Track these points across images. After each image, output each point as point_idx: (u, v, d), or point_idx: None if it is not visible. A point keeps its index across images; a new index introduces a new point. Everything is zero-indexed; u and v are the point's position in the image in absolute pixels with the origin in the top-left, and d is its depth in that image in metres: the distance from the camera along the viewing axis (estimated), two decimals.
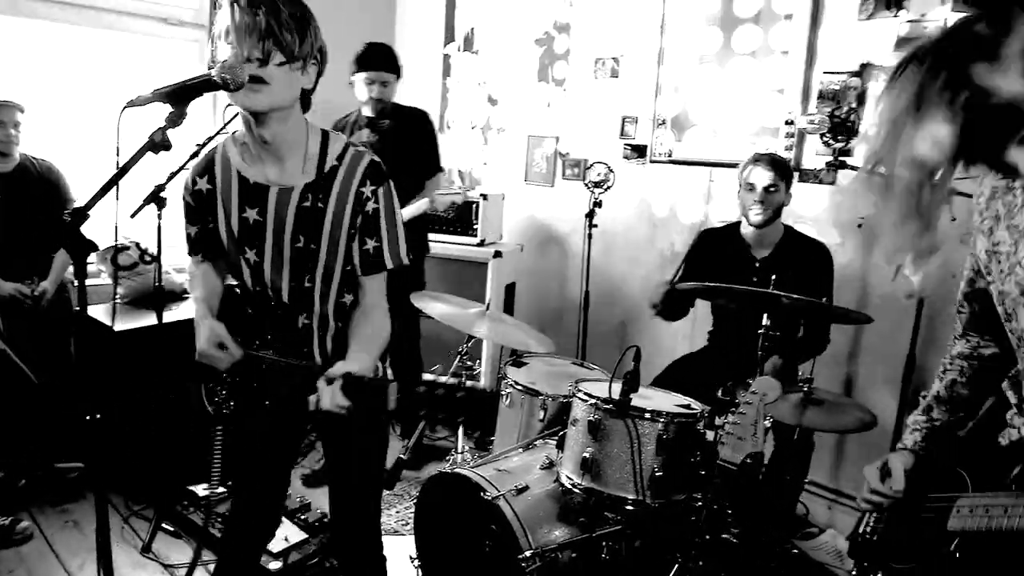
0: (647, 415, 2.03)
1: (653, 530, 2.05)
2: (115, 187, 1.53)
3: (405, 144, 3.28)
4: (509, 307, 4.00)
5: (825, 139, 2.81)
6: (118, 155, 1.60)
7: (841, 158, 2.51)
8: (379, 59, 3.18)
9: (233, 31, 1.43)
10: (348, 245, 1.63)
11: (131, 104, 1.45)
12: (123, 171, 1.50)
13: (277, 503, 1.93)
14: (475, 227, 3.84)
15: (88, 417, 1.61)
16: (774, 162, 2.71)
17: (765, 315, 2.10)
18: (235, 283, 1.77)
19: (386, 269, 1.66)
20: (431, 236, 3.69)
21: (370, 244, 1.62)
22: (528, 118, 4.22)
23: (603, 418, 2.04)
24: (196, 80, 1.41)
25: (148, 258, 3.37)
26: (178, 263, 3.58)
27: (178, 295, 3.45)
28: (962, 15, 0.93)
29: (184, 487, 2.93)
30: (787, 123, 3.19)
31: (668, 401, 2.22)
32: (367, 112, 3.31)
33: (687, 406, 2.17)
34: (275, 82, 1.45)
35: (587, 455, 2.04)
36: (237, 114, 1.74)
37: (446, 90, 4.61)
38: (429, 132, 3.42)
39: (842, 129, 2.40)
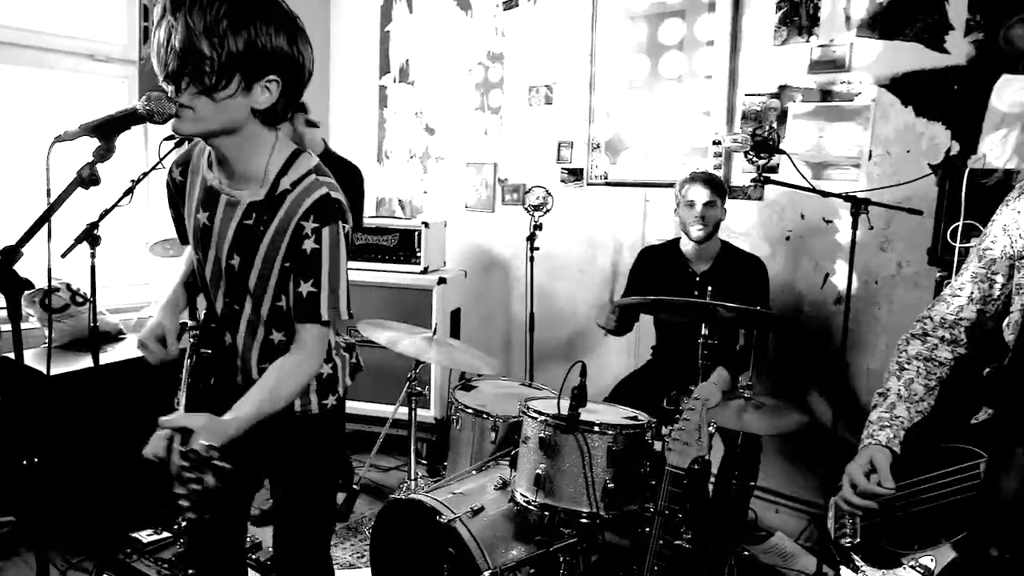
0: (596, 428, 2.08)
1: (608, 542, 2.09)
2: (46, 224, 1.50)
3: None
4: (455, 332, 4.01)
5: (749, 157, 2.98)
6: (48, 193, 1.57)
7: (765, 174, 2.66)
8: None
9: (152, 53, 1.34)
10: (281, 280, 1.51)
11: (59, 139, 1.40)
12: (53, 208, 1.45)
13: (238, 549, 1.88)
14: (418, 255, 3.86)
15: (24, 463, 1.55)
16: (710, 180, 2.85)
17: (704, 326, 2.18)
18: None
19: (320, 321, 1.49)
20: (375, 266, 3.68)
21: (304, 288, 1.47)
22: (466, 146, 4.29)
23: (553, 434, 2.07)
24: (121, 113, 1.34)
25: (80, 299, 3.27)
26: (112, 303, 3.49)
27: (113, 336, 3.35)
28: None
29: (126, 534, 2.83)
30: (714, 143, 3.34)
31: (615, 414, 2.27)
32: None
33: (634, 418, 2.23)
34: (199, 109, 1.35)
35: (540, 471, 2.07)
36: (173, 148, 1.73)
37: (383, 120, 4.64)
38: (357, 188, 3.32)
39: (764, 147, 2.55)
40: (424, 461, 3.90)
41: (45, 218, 1.52)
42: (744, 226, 3.32)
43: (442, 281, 3.81)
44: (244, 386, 1.50)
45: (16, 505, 2.94)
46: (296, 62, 1.42)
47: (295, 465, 1.72)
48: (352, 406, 3.57)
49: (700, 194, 2.81)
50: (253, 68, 1.36)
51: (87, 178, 1.50)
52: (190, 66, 1.31)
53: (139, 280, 3.83)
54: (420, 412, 3.79)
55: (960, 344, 1.58)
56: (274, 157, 1.49)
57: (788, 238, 3.24)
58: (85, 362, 2.83)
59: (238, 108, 1.39)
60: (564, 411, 2.03)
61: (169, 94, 1.34)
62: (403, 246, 3.87)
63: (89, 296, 2.72)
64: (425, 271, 3.88)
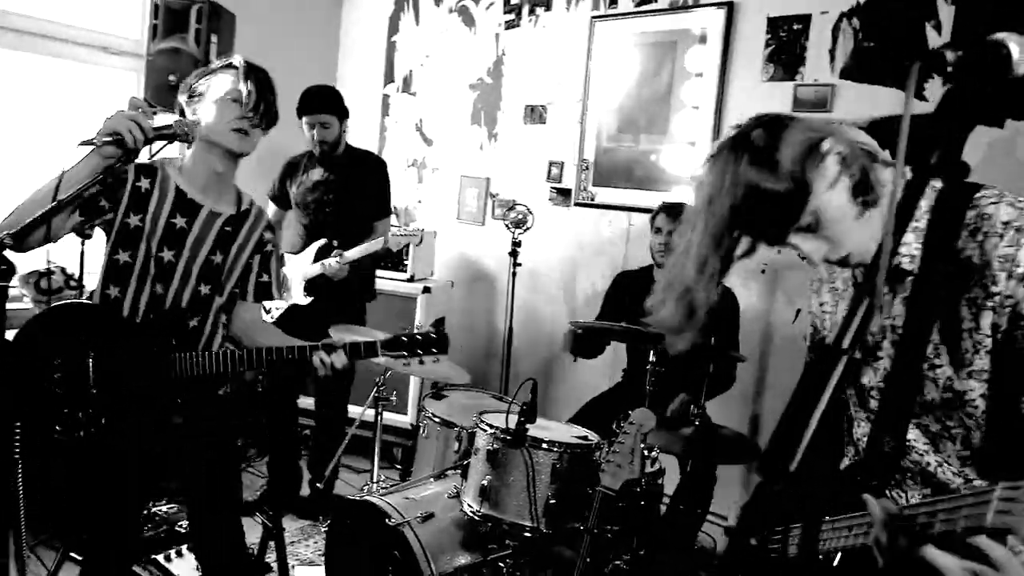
0: (543, 445, 2.15)
1: (563, 556, 2.14)
2: (54, 215, 1.66)
3: (357, 185, 3.36)
4: None
5: None
6: (57, 188, 1.69)
7: None
8: (316, 102, 3.26)
9: (244, 99, 1.88)
10: (243, 271, 2.03)
11: (85, 143, 1.65)
12: (70, 201, 1.62)
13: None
14: (405, 263, 3.94)
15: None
16: (675, 209, 2.92)
17: (652, 352, 2.24)
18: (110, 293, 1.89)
19: (269, 299, 2.10)
20: None
21: (265, 277, 2.07)
22: (461, 159, 4.38)
23: (501, 447, 2.14)
24: (160, 129, 1.74)
25: (73, 283, 3.37)
26: None
27: None
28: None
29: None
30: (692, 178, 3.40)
31: (567, 433, 2.33)
32: (316, 152, 3.35)
33: (584, 438, 2.29)
34: (255, 138, 1.95)
35: (485, 483, 2.14)
36: (164, 146, 1.94)
37: (384, 128, 4.74)
38: (382, 176, 3.48)
39: None
40: (398, 466, 3.98)
41: (55, 211, 1.64)
42: None
43: (427, 290, 3.89)
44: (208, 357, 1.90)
45: None
46: None
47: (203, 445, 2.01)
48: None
49: (665, 223, 2.88)
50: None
51: (111, 178, 1.75)
52: (267, 114, 1.94)
53: None
54: (396, 418, 3.89)
55: None
56: (235, 184, 2.05)
57: (763, 271, 3.30)
58: None
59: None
60: (512, 426, 2.09)
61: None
62: (391, 253, 3.95)
63: (81, 283, 2.82)
64: (411, 279, 3.96)
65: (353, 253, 3.19)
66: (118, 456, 1.85)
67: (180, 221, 1.91)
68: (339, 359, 1.86)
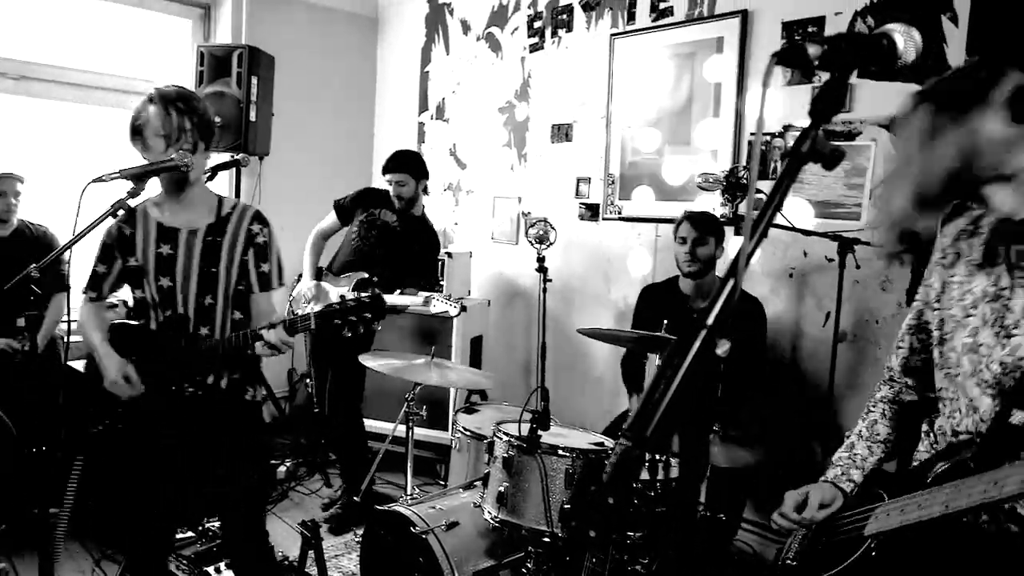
0: (560, 452, 2.20)
1: (564, 562, 2.18)
2: (72, 246, 1.93)
3: (419, 248, 3.64)
4: (476, 358, 4.18)
5: (725, 197, 3.05)
6: (76, 219, 1.97)
7: (741, 213, 2.72)
8: (392, 163, 3.60)
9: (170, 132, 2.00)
10: (241, 269, 2.11)
11: (97, 180, 1.90)
12: (85, 232, 1.91)
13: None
14: (441, 283, 4.06)
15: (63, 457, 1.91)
16: (699, 218, 2.94)
17: (658, 357, 2.27)
18: (131, 321, 2.17)
19: (273, 288, 2.16)
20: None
21: (264, 267, 2.14)
22: (494, 180, 4.50)
23: (516, 454, 2.20)
24: (161, 164, 1.95)
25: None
26: None
27: None
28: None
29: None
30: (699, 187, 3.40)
31: (583, 440, 2.38)
32: (396, 206, 3.64)
33: (600, 444, 2.33)
34: (198, 158, 2.07)
35: (503, 489, 2.20)
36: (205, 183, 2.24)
37: (421, 155, 4.91)
38: (435, 248, 3.76)
39: (737, 187, 2.61)
40: (441, 481, 4.07)
41: (75, 240, 1.93)
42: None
43: (463, 309, 3.99)
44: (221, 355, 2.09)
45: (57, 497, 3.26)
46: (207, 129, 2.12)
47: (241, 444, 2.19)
48: (373, 424, 3.82)
49: (689, 232, 2.90)
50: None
51: (118, 210, 1.97)
52: (199, 136, 2.07)
53: None
54: (439, 434, 3.99)
55: (920, 389, 1.59)
56: (210, 198, 2.16)
57: (791, 275, 3.27)
58: None
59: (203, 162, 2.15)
60: (524, 433, 2.16)
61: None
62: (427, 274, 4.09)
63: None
64: (448, 299, 4.06)
65: (399, 299, 3.39)
66: (154, 447, 2.12)
67: (165, 249, 2.09)
68: (276, 335, 1.95)
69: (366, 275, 3.52)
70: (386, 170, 3.61)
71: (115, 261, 2.13)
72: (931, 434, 1.49)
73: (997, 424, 1.27)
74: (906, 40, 0.83)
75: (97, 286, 2.16)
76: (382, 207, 3.65)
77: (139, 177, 1.98)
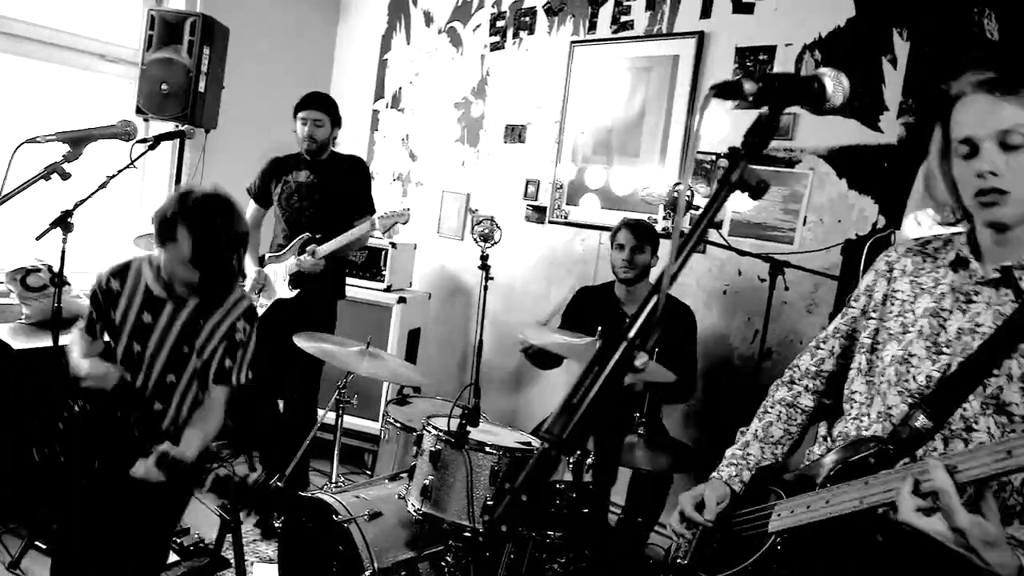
0: (487, 448, 2.22)
1: (483, 557, 2.22)
2: None
3: (340, 186, 3.50)
4: (412, 350, 4.18)
5: (667, 212, 3.14)
6: (3, 180, 1.88)
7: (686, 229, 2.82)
8: (312, 100, 3.45)
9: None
10: (209, 359, 2.11)
11: (32, 141, 1.81)
12: (12, 194, 1.80)
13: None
14: (383, 273, 4.04)
15: None
16: (638, 226, 3.02)
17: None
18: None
19: (229, 384, 2.13)
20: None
21: (228, 363, 2.12)
22: (444, 174, 4.50)
23: (444, 448, 2.22)
24: (100, 130, 1.93)
25: (56, 281, 3.49)
26: (86, 288, 3.70)
27: (75, 320, 3.55)
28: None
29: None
30: (643, 200, 3.50)
31: (511, 438, 2.41)
32: (304, 153, 3.49)
33: (527, 443, 2.37)
34: None
35: (427, 482, 2.22)
36: (145, 151, 2.11)
37: (373, 143, 4.88)
38: (363, 176, 3.62)
39: (675, 204, 2.70)
40: (367, 471, 4.05)
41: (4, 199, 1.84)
42: (685, 275, 3.47)
43: (402, 300, 3.99)
44: (173, 431, 2.09)
45: None
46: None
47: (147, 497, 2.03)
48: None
49: (628, 239, 2.98)
50: None
51: (50, 173, 1.89)
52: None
53: None
54: (369, 423, 3.98)
55: (823, 394, 1.64)
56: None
57: (725, 292, 3.38)
58: (48, 341, 3.02)
59: None
60: (454, 428, 2.18)
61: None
62: (370, 263, 4.06)
63: (65, 279, 2.93)
64: (388, 289, 4.06)
65: (326, 247, 3.33)
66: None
67: (147, 317, 2.08)
68: (148, 469, 1.79)
69: (307, 235, 3.42)
70: (303, 107, 3.43)
71: (100, 309, 2.12)
72: (828, 438, 1.53)
73: (902, 425, 1.32)
74: (835, 84, 0.89)
75: (91, 329, 2.15)
76: (291, 171, 3.53)
77: (76, 141, 1.92)
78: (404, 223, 3.37)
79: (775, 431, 1.64)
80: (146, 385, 2.09)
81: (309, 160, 3.49)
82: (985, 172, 1.21)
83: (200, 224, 1.89)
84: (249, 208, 3.56)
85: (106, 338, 2.18)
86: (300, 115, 3.45)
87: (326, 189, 3.48)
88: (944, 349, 1.33)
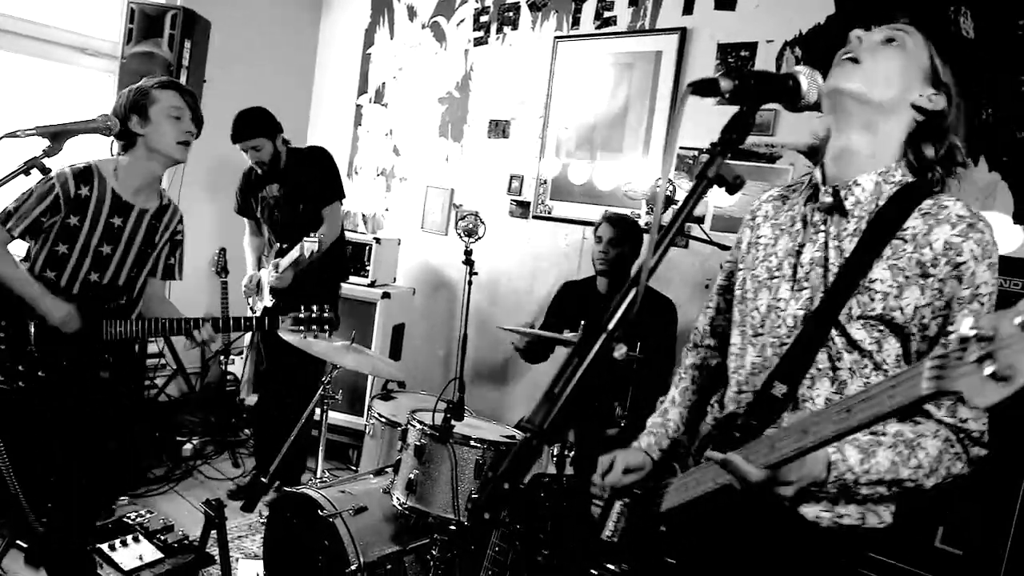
0: (471, 442, 2.24)
1: (469, 550, 2.23)
2: None
3: (304, 183, 3.49)
4: (397, 345, 4.18)
5: (649, 207, 3.16)
6: None
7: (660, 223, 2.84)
8: (243, 129, 3.37)
9: (186, 115, 2.24)
10: (157, 256, 2.38)
11: (11, 135, 1.81)
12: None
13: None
14: (367, 268, 4.04)
15: None
16: (618, 220, 3.04)
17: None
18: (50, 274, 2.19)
19: (174, 279, 2.46)
20: None
21: (171, 260, 2.42)
22: (428, 169, 4.49)
23: (428, 443, 2.23)
24: (81, 124, 1.93)
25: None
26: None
27: None
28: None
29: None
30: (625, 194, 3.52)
31: (495, 432, 2.43)
32: (259, 172, 3.52)
33: (512, 437, 2.39)
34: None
35: (412, 476, 2.23)
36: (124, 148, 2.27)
37: (356, 138, 4.86)
38: (323, 164, 3.56)
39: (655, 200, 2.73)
40: (353, 467, 4.05)
41: None
42: (667, 270, 3.50)
43: (386, 296, 3.99)
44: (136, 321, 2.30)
45: None
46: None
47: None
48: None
49: (606, 232, 3.00)
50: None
51: (30, 168, 1.89)
52: (200, 127, 2.39)
53: None
54: (354, 419, 3.98)
55: (723, 352, 1.55)
56: (156, 180, 2.33)
57: (707, 286, 3.41)
58: None
59: None
60: (438, 422, 2.19)
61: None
62: (354, 259, 4.05)
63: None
64: (372, 284, 4.05)
65: (282, 263, 3.34)
66: (54, 410, 2.15)
67: (117, 220, 2.23)
68: (204, 332, 2.21)
69: (280, 246, 3.46)
70: (236, 139, 3.38)
71: (59, 215, 2.12)
72: (714, 406, 1.51)
73: (761, 395, 1.30)
74: (810, 82, 0.91)
75: (16, 227, 2.10)
76: (264, 186, 3.55)
77: (57, 136, 1.90)
78: (316, 250, 3.21)
79: (690, 396, 1.62)
80: (115, 282, 2.26)
81: (270, 174, 3.52)
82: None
83: (190, 92, 2.25)
84: (246, 226, 3.71)
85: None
86: (237, 146, 3.43)
87: (294, 198, 3.51)
88: (804, 284, 1.31)
